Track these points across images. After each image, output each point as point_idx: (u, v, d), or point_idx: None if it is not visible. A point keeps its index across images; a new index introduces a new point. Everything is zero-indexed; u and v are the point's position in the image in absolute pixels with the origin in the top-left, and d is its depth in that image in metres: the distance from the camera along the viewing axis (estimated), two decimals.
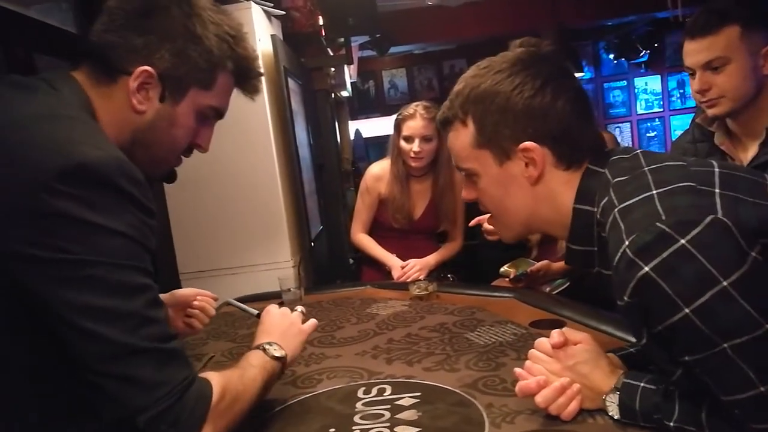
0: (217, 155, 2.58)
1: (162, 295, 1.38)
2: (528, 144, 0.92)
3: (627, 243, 0.77)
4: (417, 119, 2.27)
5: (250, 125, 2.59)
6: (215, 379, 0.86)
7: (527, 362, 0.97)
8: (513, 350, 1.22)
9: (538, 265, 1.89)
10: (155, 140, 0.94)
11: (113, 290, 0.77)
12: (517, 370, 0.97)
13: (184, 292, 1.38)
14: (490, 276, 2.11)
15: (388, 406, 1.01)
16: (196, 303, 1.36)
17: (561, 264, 1.91)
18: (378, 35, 3.98)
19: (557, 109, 0.91)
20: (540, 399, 0.91)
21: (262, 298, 1.80)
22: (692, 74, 1.51)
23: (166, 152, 0.97)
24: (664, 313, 0.75)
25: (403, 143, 2.30)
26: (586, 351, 0.94)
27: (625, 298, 0.78)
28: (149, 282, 0.81)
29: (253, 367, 0.97)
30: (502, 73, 0.94)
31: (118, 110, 0.91)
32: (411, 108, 2.32)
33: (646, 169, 0.86)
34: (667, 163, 0.87)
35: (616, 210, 0.83)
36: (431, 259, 2.30)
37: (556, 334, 0.96)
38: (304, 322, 1.15)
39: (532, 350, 0.98)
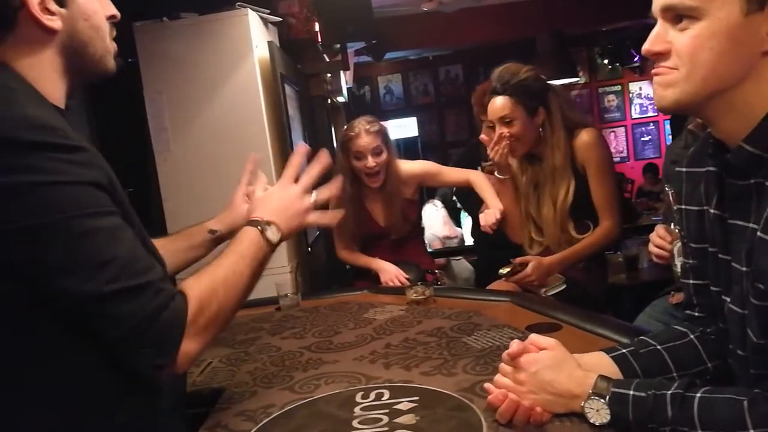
0: (214, 160, 2.61)
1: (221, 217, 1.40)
2: None
3: None
4: (362, 137, 2.32)
5: (247, 131, 2.60)
6: (194, 293, 0.90)
7: (496, 375, 0.97)
8: None
9: (529, 257, 1.90)
10: (84, 42, 0.93)
11: (65, 243, 0.79)
12: (486, 385, 0.97)
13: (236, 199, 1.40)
14: (489, 277, 2.13)
15: (387, 411, 1.01)
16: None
17: (552, 258, 1.93)
18: (374, 41, 4.00)
19: None
20: (498, 416, 0.91)
21: (259, 304, 1.80)
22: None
23: (100, 43, 0.95)
24: None
25: (355, 162, 2.35)
26: (548, 357, 0.93)
27: None
28: (100, 222, 0.83)
29: (243, 259, 0.98)
30: None
31: (33, 49, 0.89)
32: (354, 128, 2.37)
33: None
34: None
35: None
36: None
37: (513, 343, 0.96)
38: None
39: (501, 363, 0.98)
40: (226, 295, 0.94)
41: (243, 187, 1.39)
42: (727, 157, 0.86)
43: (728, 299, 0.89)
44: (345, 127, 2.46)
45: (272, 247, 1.04)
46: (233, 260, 0.99)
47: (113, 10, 0.99)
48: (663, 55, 0.84)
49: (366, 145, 2.32)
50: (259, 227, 1.04)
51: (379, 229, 2.45)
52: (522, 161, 2.05)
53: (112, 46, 0.99)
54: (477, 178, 2.34)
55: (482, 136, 2.42)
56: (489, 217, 2.10)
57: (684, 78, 0.82)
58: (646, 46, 0.86)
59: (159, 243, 1.33)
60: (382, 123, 2.45)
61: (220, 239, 1.36)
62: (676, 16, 0.82)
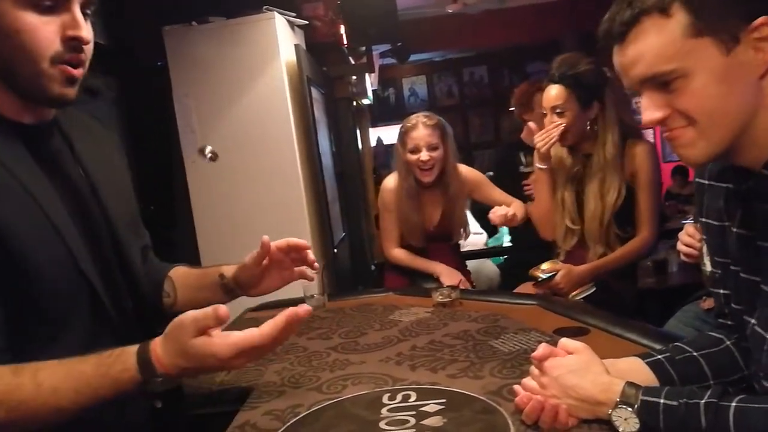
0: (242, 163, 2.64)
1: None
2: (763, 19, 0.76)
3: None
4: (419, 129, 2.29)
5: (274, 133, 2.63)
6: None
7: (525, 378, 0.97)
8: None
9: (559, 266, 1.90)
10: (6, 60, 0.86)
11: None
12: (515, 386, 0.97)
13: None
14: (518, 278, 2.12)
15: (414, 413, 1.01)
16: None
17: (583, 268, 1.91)
18: (398, 43, 4.01)
19: None
20: (524, 417, 0.91)
21: (286, 304, 1.81)
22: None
23: (31, 63, 0.86)
24: None
25: (410, 156, 2.31)
26: (573, 361, 0.92)
27: None
28: None
29: (78, 394, 0.80)
30: None
31: None
32: (412, 119, 2.34)
33: None
34: None
35: None
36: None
37: (541, 347, 0.95)
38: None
39: (532, 366, 0.98)
40: (35, 407, 0.78)
41: (256, 256, 1.22)
42: (749, 184, 0.85)
43: (752, 320, 0.87)
44: (403, 120, 2.41)
45: (143, 388, 0.84)
46: (74, 375, 0.81)
47: (72, 32, 0.87)
48: (667, 119, 0.83)
49: (422, 137, 2.28)
50: (145, 376, 0.83)
51: (428, 231, 2.40)
52: (570, 152, 2.05)
53: (57, 71, 0.88)
54: (518, 207, 2.24)
55: (533, 128, 2.34)
56: (501, 209, 2.09)
57: (703, 134, 0.81)
58: (645, 120, 0.83)
59: (176, 274, 1.23)
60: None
61: (228, 288, 1.21)
62: (661, 83, 0.81)
